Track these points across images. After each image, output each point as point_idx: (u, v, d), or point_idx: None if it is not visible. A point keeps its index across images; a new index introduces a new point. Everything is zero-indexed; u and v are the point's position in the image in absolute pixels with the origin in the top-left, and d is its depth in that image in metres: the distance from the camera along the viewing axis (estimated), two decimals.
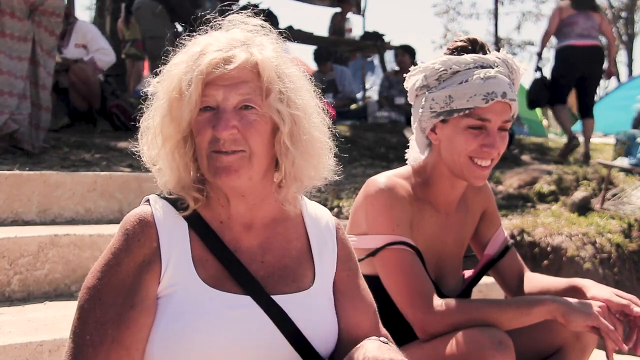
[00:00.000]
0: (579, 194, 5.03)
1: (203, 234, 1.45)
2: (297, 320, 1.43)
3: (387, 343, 1.38)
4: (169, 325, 1.37)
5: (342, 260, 1.59)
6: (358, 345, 1.39)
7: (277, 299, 1.44)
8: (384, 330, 1.61)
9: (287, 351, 1.41)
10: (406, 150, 2.16)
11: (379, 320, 1.61)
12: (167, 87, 1.42)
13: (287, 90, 1.42)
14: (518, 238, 4.33)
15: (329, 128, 1.52)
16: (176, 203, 1.47)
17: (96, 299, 1.37)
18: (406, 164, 2.12)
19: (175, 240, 1.43)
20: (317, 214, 1.61)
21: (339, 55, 9.99)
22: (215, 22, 1.49)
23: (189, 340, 1.35)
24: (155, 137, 1.44)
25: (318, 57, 9.12)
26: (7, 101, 4.17)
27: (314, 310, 1.48)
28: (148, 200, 1.49)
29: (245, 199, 1.47)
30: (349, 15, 10.83)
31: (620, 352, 1.80)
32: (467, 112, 1.86)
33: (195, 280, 1.40)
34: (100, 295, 1.37)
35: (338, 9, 10.71)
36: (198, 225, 1.46)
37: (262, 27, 1.49)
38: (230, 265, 1.43)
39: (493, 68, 1.89)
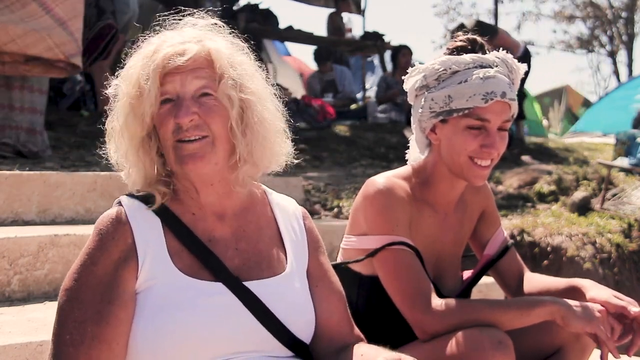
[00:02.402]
0: (579, 194, 5.03)
1: (175, 228, 1.48)
2: (272, 304, 1.46)
3: None
4: (150, 318, 1.39)
5: (312, 247, 1.64)
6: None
7: (253, 284, 1.47)
8: (356, 328, 1.65)
9: (263, 334, 1.45)
10: (406, 151, 2.16)
11: (349, 311, 1.65)
12: (127, 86, 1.46)
13: (240, 77, 1.48)
14: (518, 238, 4.33)
15: (283, 114, 1.57)
16: (147, 200, 1.50)
17: (74, 299, 1.39)
18: (406, 164, 2.12)
19: (149, 235, 1.46)
20: (283, 204, 1.67)
21: (338, 55, 9.98)
22: (169, 22, 1.54)
23: (170, 331, 1.37)
24: (121, 137, 1.48)
25: (318, 57, 9.13)
26: (19, 116, 4.21)
27: (289, 293, 1.52)
28: (119, 203, 1.52)
29: (214, 188, 1.51)
30: (348, 15, 10.79)
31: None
32: (466, 112, 1.86)
33: (173, 270, 1.43)
34: (78, 295, 1.39)
35: (334, 9, 10.69)
36: (170, 220, 1.49)
37: (215, 24, 1.54)
38: (202, 256, 1.46)
39: (492, 68, 1.89)
